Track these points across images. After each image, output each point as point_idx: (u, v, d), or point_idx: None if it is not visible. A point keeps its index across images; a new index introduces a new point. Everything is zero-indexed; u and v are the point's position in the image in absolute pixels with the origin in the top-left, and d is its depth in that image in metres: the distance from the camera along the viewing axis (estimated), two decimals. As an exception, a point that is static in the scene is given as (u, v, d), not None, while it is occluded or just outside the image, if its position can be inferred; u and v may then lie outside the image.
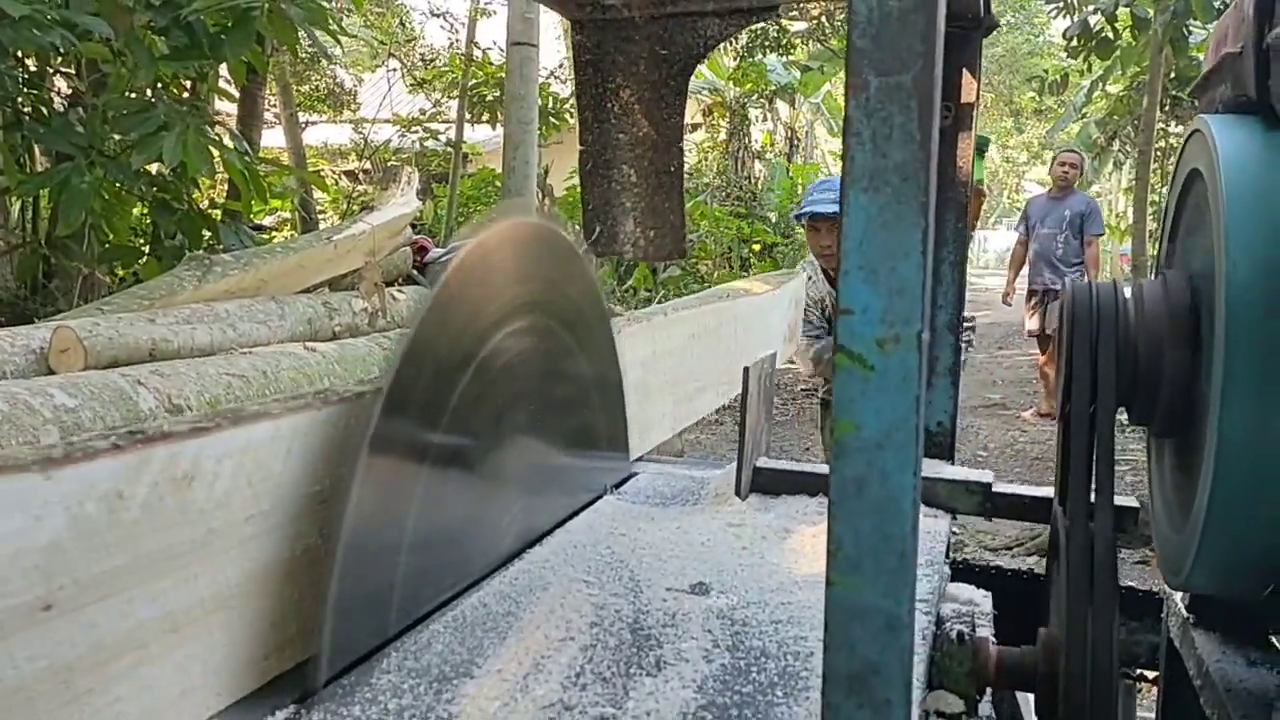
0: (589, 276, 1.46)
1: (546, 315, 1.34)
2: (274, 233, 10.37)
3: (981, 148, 1.64)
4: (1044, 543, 4.77)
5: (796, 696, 0.95)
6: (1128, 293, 1.21)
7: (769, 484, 1.62)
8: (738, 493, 1.57)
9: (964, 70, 1.60)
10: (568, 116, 12.94)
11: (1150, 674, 1.69)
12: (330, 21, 4.78)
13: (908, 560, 0.76)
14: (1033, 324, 7.49)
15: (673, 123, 1.63)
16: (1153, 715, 1.64)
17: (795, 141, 18.37)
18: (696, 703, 0.93)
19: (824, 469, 1.67)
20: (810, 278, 3.61)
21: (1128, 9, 8.82)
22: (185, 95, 5.24)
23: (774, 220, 14.78)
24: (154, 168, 4.77)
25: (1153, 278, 1.26)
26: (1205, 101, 1.27)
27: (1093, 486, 1.18)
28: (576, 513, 1.50)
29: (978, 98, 1.63)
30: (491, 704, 0.92)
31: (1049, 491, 1.59)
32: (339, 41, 5.54)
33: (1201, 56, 10.82)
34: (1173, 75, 10.62)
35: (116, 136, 4.46)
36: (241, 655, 0.90)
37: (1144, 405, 1.18)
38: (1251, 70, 1.07)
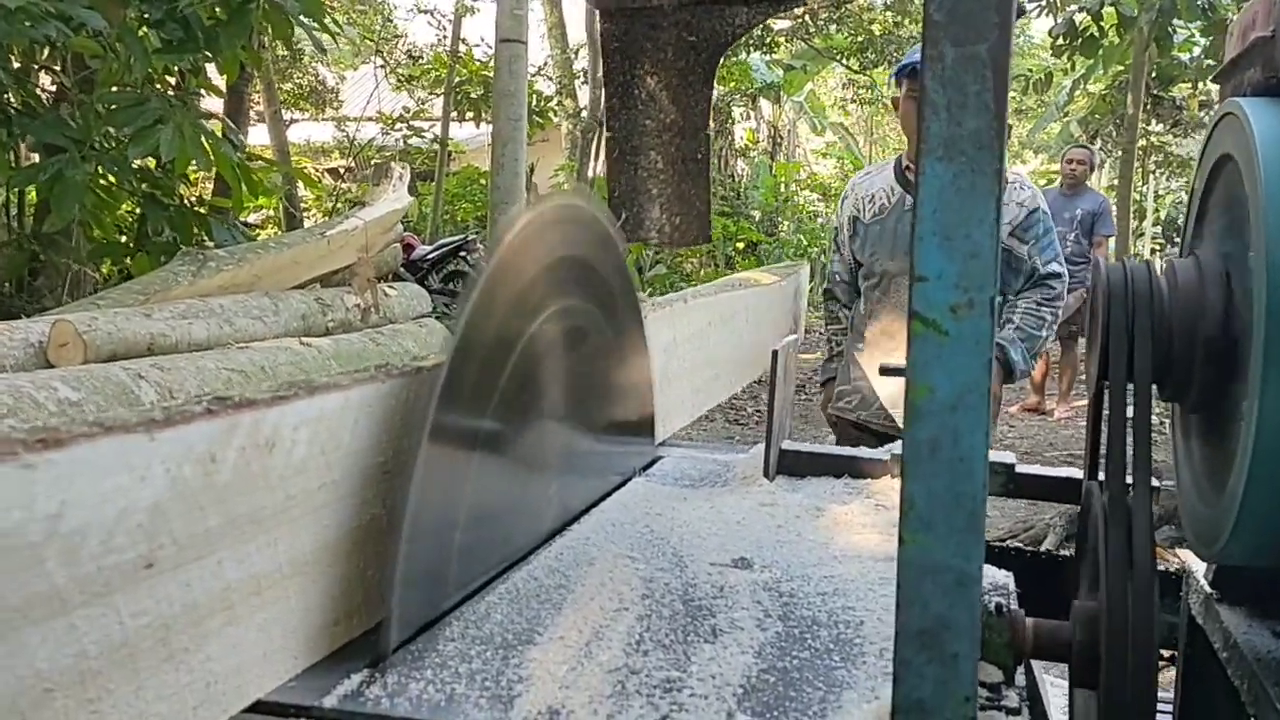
0: (623, 261, 1.48)
1: (586, 299, 1.36)
2: (259, 230, 10.33)
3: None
4: (1037, 534, 4.83)
5: (854, 660, 0.98)
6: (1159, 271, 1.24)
7: (794, 466, 1.65)
8: (765, 474, 1.59)
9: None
10: (552, 115, 12.96)
11: (1166, 653, 1.72)
12: (327, 17, 4.79)
13: (978, 519, 0.79)
14: None
15: (699, 109, 1.65)
16: (1170, 693, 1.68)
17: (778, 140, 18.44)
18: (757, 667, 0.96)
19: (848, 451, 1.70)
20: (860, 203, 2.92)
21: (1113, 7, 8.91)
22: (174, 89, 5.22)
23: (757, 218, 14.84)
24: (143, 164, 4.75)
25: (1182, 258, 1.29)
26: (1230, 87, 1.30)
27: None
28: (608, 494, 1.52)
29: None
30: (559, 668, 0.93)
31: (1072, 472, 1.62)
32: (334, 35, 5.54)
33: (1185, 56, 10.92)
34: (1155, 75, 10.74)
35: (109, 131, 4.44)
36: (315, 620, 0.92)
37: (1178, 382, 1.20)
38: (1286, 53, 1.10)
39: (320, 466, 0.91)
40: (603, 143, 1.71)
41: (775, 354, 1.54)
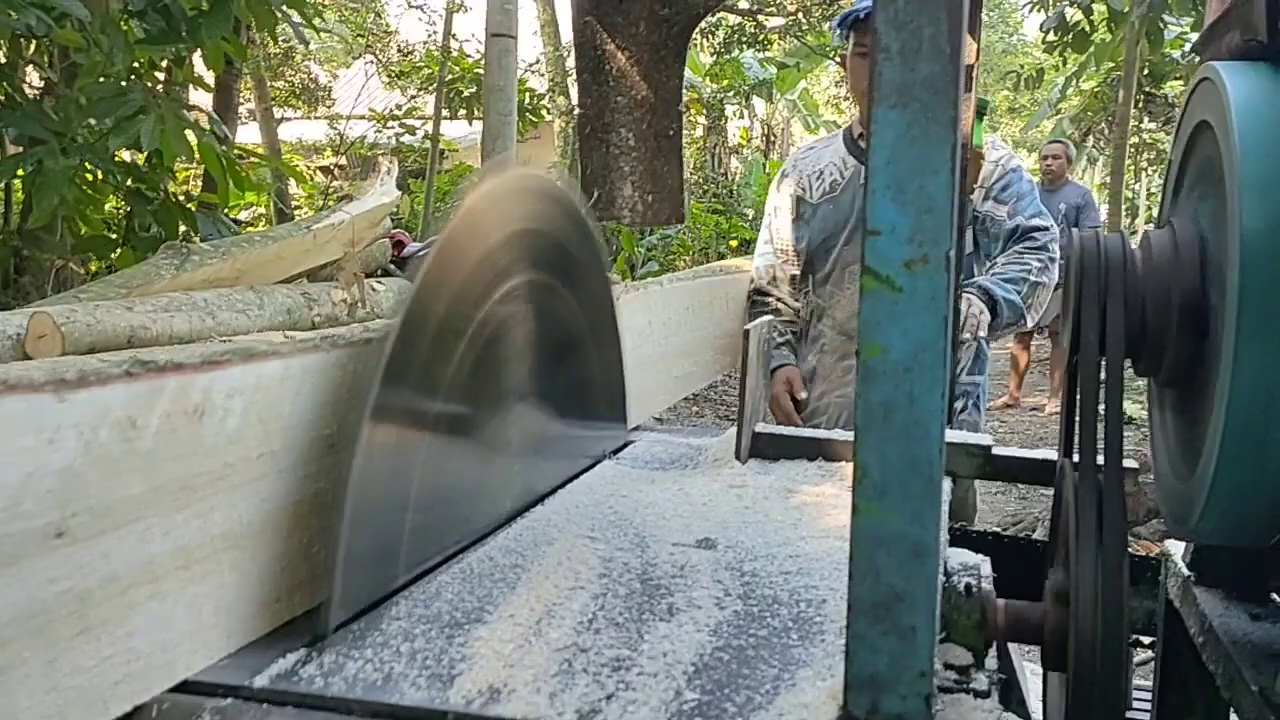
0: (594, 240, 1.45)
1: (552, 276, 1.33)
2: (249, 227, 10.27)
3: (981, 111, 1.65)
4: (1026, 528, 4.80)
5: (812, 639, 0.95)
6: (1134, 244, 1.21)
7: (767, 448, 1.61)
8: (738, 456, 1.56)
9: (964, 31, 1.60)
10: (544, 111, 12.91)
11: (1146, 639, 1.69)
12: (309, 8, 4.74)
13: (935, 485, 0.76)
14: None
15: (671, 85, 1.61)
16: (1150, 679, 1.65)
17: (771, 138, 18.42)
18: (712, 645, 0.92)
19: (821, 434, 1.66)
20: (801, 180, 2.57)
21: (1104, 3, 8.89)
22: (160, 84, 5.17)
23: (751, 216, 14.81)
24: (129, 157, 4.71)
25: (1156, 229, 1.26)
26: (1209, 53, 1.27)
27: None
28: (575, 477, 1.49)
29: (977, 59, 1.62)
30: (505, 646, 0.90)
31: (1048, 454, 1.59)
32: (317, 30, 5.49)
33: (1176, 53, 10.91)
34: (1147, 72, 10.72)
35: (92, 123, 4.40)
36: (253, 596, 0.89)
37: (1152, 355, 1.17)
38: (1263, 14, 1.07)
39: (258, 436, 0.88)
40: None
41: (747, 334, 1.51)
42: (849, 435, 1.64)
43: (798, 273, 2.57)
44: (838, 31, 2.46)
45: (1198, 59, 1.33)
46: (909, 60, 0.72)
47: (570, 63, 13.11)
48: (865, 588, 0.77)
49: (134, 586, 0.75)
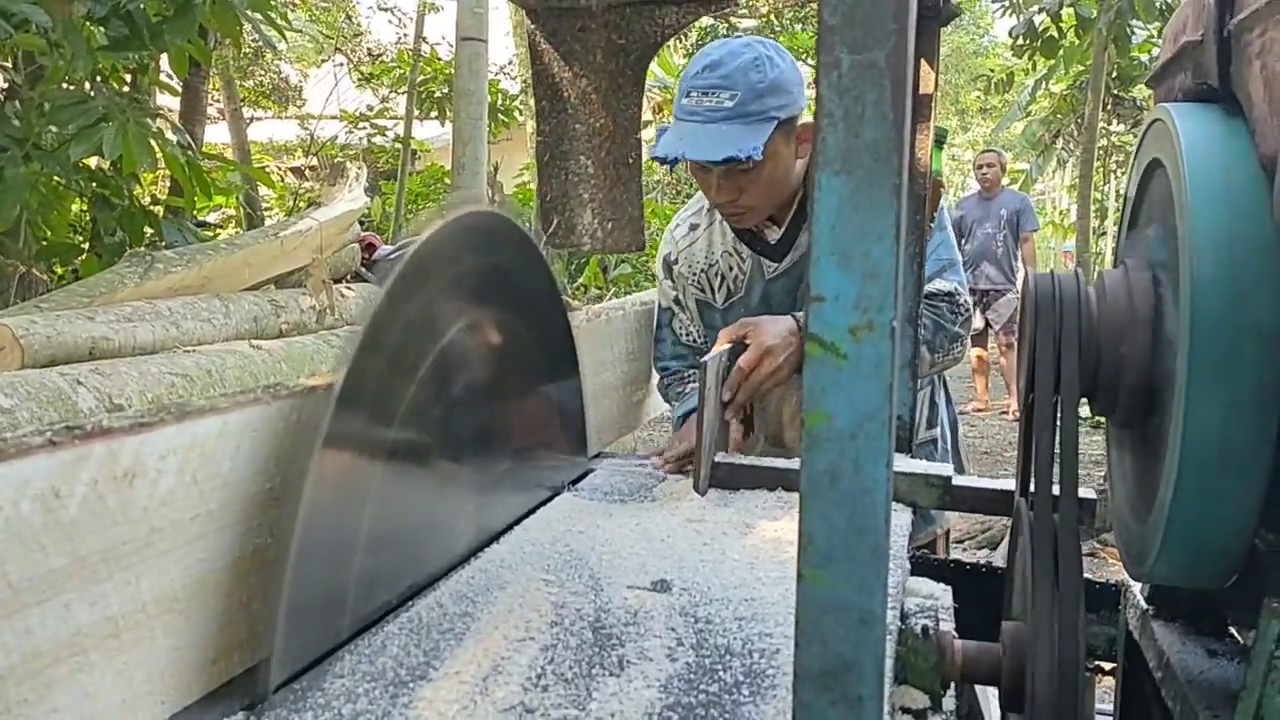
0: (548, 271, 1.43)
1: (503, 309, 1.31)
2: (218, 230, 10.18)
3: (940, 139, 1.64)
4: (994, 536, 4.82)
5: (764, 695, 0.93)
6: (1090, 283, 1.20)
7: (726, 479, 1.60)
8: (696, 488, 1.55)
9: (922, 60, 1.60)
10: (517, 114, 12.87)
11: (1107, 665, 1.70)
12: (275, 13, 4.69)
13: (881, 553, 0.75)
14: (976, 322, 7.62)
15: (630, 113, 1.60)
16: (1110, 706, 1.65)
17: (745, 139, 18.42)
18: (662, 702, 0.91)
19: (781, 463, 1.65)
20: (685, 250, 2.09)
21: (1072, 9, 8.95)
22: (126, 89, 5.11)
23: (724, 218, 14.79)
24: (94, 163, 4.65)
25: (1113, 268, 1.26)
26: (1162, 91, 1.27)
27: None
28: (533, 511, 1.47)
29: (936, 88, 1.62)
30: (450, 707, 0.88)
31: (1009, 484, 1.59)
32: (284, 35, 5.43)
33: (1144, 56, 11.04)
34: (1115, 75, 10.81)
35: (54, 129, 4.33)
36: (188, 659, 0.86)
37: (1106, 395, 1.17)
38: (1213, 58, 1.07)
39: (193, 496, 0.86)
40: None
41: (705, 365, 1.49)
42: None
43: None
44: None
45: (1147, 92, 1.33)
46: (852, 126, 0.71)
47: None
48: (813, 656, 0.76)
49: (57, 661, 0.73)
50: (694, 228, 2.10)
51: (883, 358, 0.72)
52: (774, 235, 1.95)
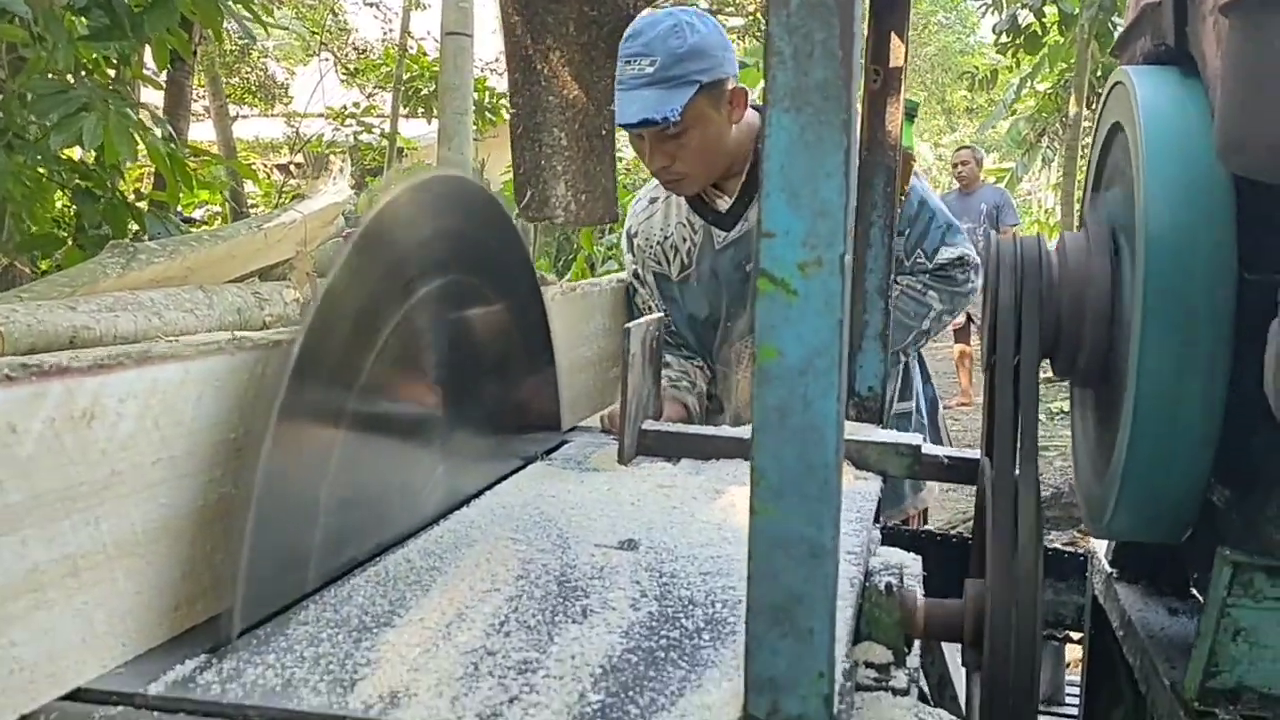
0: (519, 241, 1.44)
1: (475, 277, 1.32)
2: (204, 225, 10.14)
3: (910, 112, 1.65)
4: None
5: (724, 640, 0.95)
6: (1051, 245, 1.22)
7: (655, 446, 1.61)
8: (620, 459, 1.56)
9: (892, 34, 1.61)
10: (503, 111, 12.86)
11: (1076, 635, 1.71)
12: (257, 6, 4.69)
13: (831, 488, 0.76)
14: (959, 318, 7.66)
15: (603, 85, 1.61)
16: (1079, 674, 1.67)
17: (732, 137, 18.46)
18: (622, 646, 0.92)
19: (710, 430, 1.66)
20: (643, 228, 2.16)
21: (1055, 6, 9.00)
22: (110, 82, 5.09)
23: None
24: (77, 155, 4.64)
25: (1074, 231, 1.27)
26: (1125, 57, 1.29)
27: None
28: (504, 478, 1.48)
29: (905, 61, 1.63)
30: (412, 650, 0.89)
31: (975, 454, 1.60)
32: (266, 29, 5.42)
33: (1126, 53, 11.14)
34: (1098, 72, 10.84)
35: (35, 121, 4.32)
36: (150, 604, 0.87)
37: (1066, 356, 1.19)
38: (1171, 20, 1.09)
39: (154, 441, 0.86)
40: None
41: (628, 332, 1.50)
42: (739, 432, 1.64)
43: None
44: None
45: (1119, 60, 1.35)
46: (801, 64, 0.72)
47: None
48: (763, 590, 0.77)
49: (15, 596, 0.73)
50: (653, 201, 2.18)
51: (832, 294, 0.74)
52: (724, 204, 2.02)
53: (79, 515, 0.78)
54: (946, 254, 2.06)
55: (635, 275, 2.20)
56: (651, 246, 2.14)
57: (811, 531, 0.76)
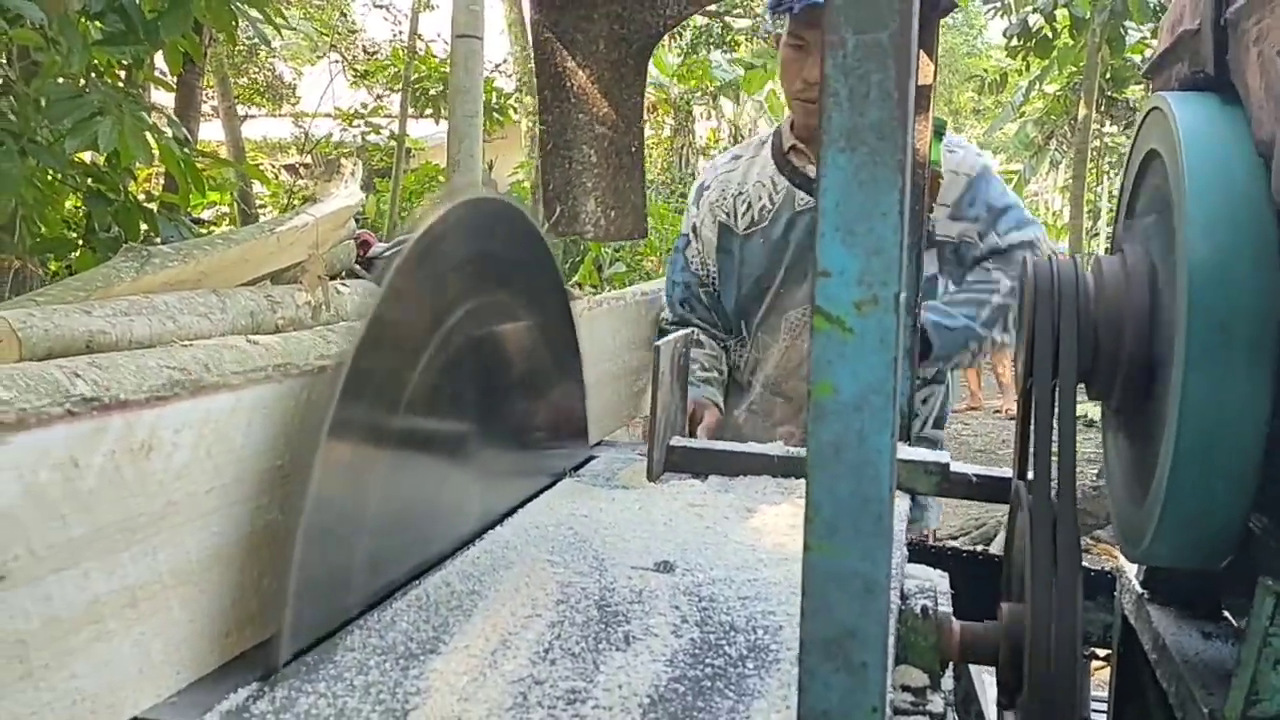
0: (551, 260, 1.45)
1: (509, 296, 1.33)
2: (212, 227, 10.16)
3: (939, 130, 1.66)
4: (988, 532, 4.84)
5: (768, 668, 0.95)
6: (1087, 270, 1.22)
7: (683, 462, 1.62)
8: (649, 475, 1.56)
9: (921, 52, 1.61)
10: (511, 112, 12.88)
11: (1103, 652, 1.71)
12: (270, 9, 4.70)
13: (885, 523, 0.76)
14: None
15: (632, 103, 1.62)
16: (1106, 692, 1.67)
17: (739, 139, 18.48)
18: (668, 675, 0.92)
19: (738, 447, 1.67)
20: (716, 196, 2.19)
21: (1065, 9, 8.99)
22: (121, 84, 5.11)
23: (719, 217, 14.81)
24: (89, 158, 4.65)
25: (1109, 255, 1.27)
26: (1160, 82, 1.29)
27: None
28: (536, 495, 1.49)
29: (934, 80, 1.64)
30: (460, 679, 0.90)
31: (1005, 472, 1.60)
32: (279, 30, 5.43)
33: (1137, 57, 11.08)
34: (1108, 76, 10.84)
35: (47, 124, 4.34)
36: (203, 631, 0.87)
37: (1104, 379, 1.19)
38: (1210, 47, 1.09)
39: (207, 470, 0.87)
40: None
41: (658, 349, 1.51)
42: (767, 449, 1.64)
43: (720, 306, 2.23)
44: (770, 17, 2.05)
45: (1150, 86, 1.35)
46: (857, 105, 0.72)
47: (538, 63, 13.05)
48: (817, 624, 0.78)
49: (77, 629, 0.74)
50: (735, 158, 2.25)
51: (887, 331, 0.74)
52: (813, 170, 2.00)
53: (138, 546, 0.79)
54: (1015, 237, 2.10)
55: (693, 228, 2.23)
56: (725, 199, 2.17)
57: (866, 567, 0.77)
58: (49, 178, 4.46)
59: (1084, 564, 1.67)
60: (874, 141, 0.73)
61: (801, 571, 0.77)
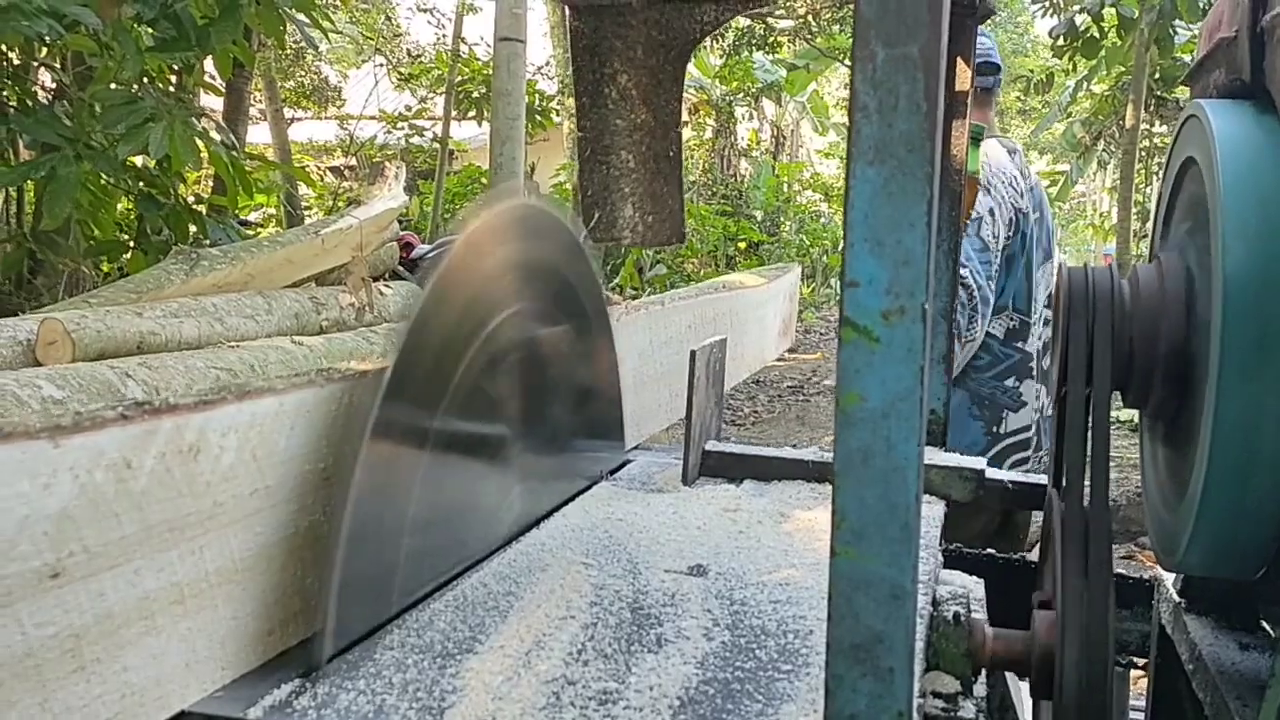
0: (589, 265, 1.46)
1: (548, 302, 1.35)
2: (259, 229, 10.32)
3: (976, 136, 1.66)
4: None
5: (798, 672, 0.96)
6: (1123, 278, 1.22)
7: (718, 467, 1.63)
8: (684, 479, 1.58)
9: (958, 58, 1.61)
10: (553, 115, 12.96)
11: (1140, 660, 1.70)
12: (318, 13, 4.77)
13: (911, 530, 0.77)
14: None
15: (670, 108, 1.63)
16: (1143, 701, 1.66)
17: (781, 140, 18.43)
18: (699, 678, 0.94)
19: (772, 451, 1.67)
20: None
21: (1113, 8, 8.88)
22: (171, 89, 5.22)
23: (759, 218, 14.82)
24: (140, 162, 4.75)
25: (1145, 263, 1.27)
26: (1198, 89, 1.28)
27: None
28: (572, 498, 1.51)
29: (972, 85, 1.64)
30: (495, 678, 0.92)
31: (1041, 479, 1.60)
32: (326, 34, 5.51)
33: (1186, 57, 10.92)
34: (1157, 75, 10.69)
35: (101, 129, 4.44)
36: (247, 629, 0.90)
37: (1139, 387, 1.19)
38: (1247, 54, 1.08)
39: (252, 472, 0.90)
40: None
41: (693, 355, 1.52)
42: (801, 454, 1.65)
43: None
44: None
45: (1188, 93, 1.34)
46: (886, 117, 0.73)
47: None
48: (844, 629, 0.79)
49: (128, 624, 0.77)
50: (1012, 153, 2.60)
51: (914, 341, 0.75)
52: None
53: (185, 545, 0.82)
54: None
55: (990, 211, 2.46)
56: (1018, 194, 2.51)
57: (893, 573, 0.78)
58: (102, 182, 4.56)
59: (1122, 572, 1.66)
60: (902, 154, 0.74)
61: (829, 577, 0.78)
